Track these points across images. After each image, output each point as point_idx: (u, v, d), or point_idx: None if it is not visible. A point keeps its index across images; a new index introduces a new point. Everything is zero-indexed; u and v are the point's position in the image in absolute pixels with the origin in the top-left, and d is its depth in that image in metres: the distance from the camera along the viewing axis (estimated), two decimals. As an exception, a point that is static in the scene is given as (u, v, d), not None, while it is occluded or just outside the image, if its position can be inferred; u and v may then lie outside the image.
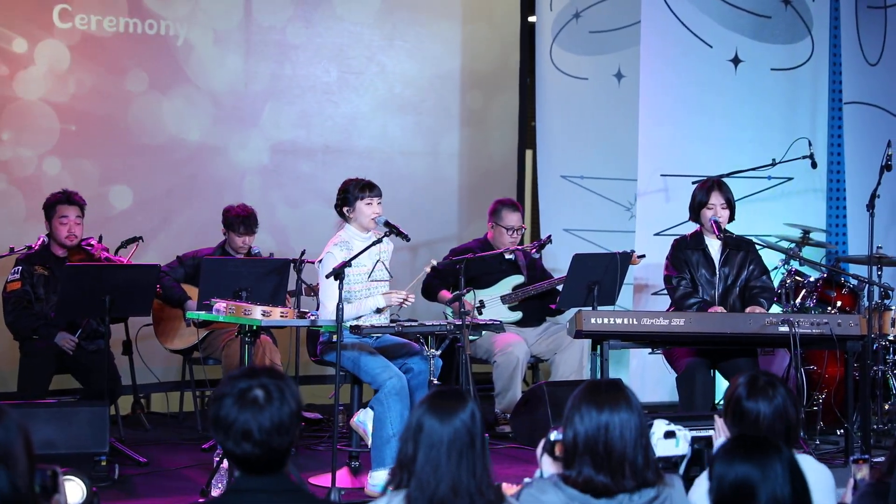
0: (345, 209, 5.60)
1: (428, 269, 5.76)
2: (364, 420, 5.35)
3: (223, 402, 2.59)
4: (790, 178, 7.73)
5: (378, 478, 5.19)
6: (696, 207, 6.22)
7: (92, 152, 7.34)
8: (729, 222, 6.21)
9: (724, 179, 6.54)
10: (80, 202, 6.24)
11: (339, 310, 5.00)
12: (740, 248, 6.25)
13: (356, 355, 5.39)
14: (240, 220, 6.58)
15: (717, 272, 6.20)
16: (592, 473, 2.89)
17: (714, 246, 6.24)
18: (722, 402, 6.77)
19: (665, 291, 6.45)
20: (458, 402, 2.79)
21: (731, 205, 6.20)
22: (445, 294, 6.78)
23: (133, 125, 7.47)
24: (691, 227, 6.41)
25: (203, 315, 5.41)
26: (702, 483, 3.35)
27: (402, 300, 5.46)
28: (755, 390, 3.28)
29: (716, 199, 6.15)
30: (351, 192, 5.57)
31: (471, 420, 2.77)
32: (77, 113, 7.28)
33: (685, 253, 6.23)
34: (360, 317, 5.40)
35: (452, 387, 2.95)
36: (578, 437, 2.91)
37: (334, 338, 5.28)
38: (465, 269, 5.73)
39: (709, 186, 6.21)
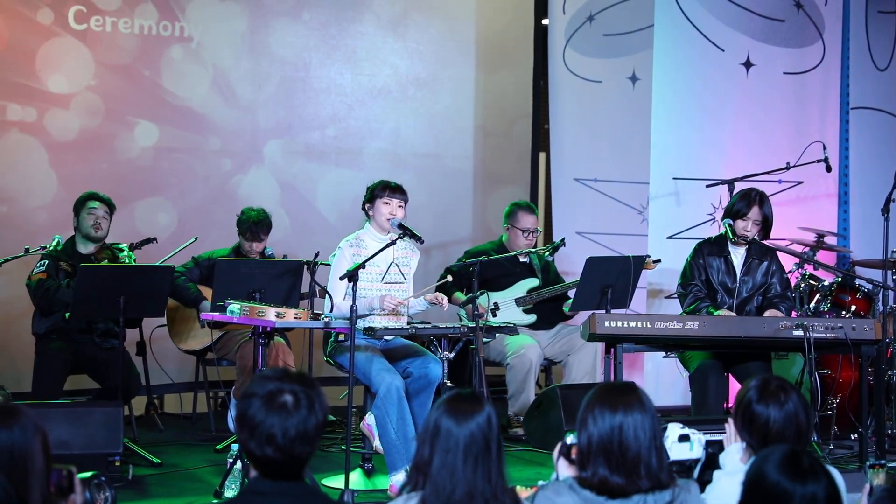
0: (366, 206, 5.66)
1: (449, 279, 5.90)
2: (372, 423, 5.38)
3: (251, 402, 2.60)
4: (800, 182, 7.71)
5: (395, 479, 5.20)
6: (734, 214, 6.14)
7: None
8: (761, 238, 6.15)
9: (735, 182, 6.51)
10: (109, 201, 6.32)
11: (353, 311, 5.01)
12: (763, 258, 6.21)
13: (358, 357, 5.39)
14: (247, 225, 6.61)
15: (738, 280, 6.17)
16: (607, 474, 2.88)
17: (738, 253, 6.20)
18: (733, 406, 6.78)
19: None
20: (476, 405, 2.78)
21: (767, 222, 6.13)
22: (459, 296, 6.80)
23: (140, 123, 7.51)
24: (702, 231, 6.38)
25: (217, 316, 5.42)
26: (719, 485, 3.34)
27: (393, 306, 5.47)
28: (766, 394, 3.26)
29: (754, 213, 6.08)
30: (374, 191, 5.63)
31: (487, 424, 2.76)
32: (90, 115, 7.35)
33: (706, 258, 6.18)
34: (365, 315, 5.42)
35: (470, 390, 2.93)
36: (593, 438, 2.91)
37: (341, 337, 5.33)
38: (479, 271, 5.74)
39: (751, 199, 6.10)
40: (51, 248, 6.16)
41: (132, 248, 6.52)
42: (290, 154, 7.90)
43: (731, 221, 6.11)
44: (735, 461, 3.45)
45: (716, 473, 3.48)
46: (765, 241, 6.38)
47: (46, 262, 6.15)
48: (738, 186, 6.36)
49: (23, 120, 7.19)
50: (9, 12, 7.14)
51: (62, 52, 7.26)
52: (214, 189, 7.68)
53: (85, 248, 6.30)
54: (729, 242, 6.18)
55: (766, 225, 6.14)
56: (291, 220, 7.84)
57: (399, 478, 5.18)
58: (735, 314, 6.03)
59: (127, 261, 6.30)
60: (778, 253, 6.42)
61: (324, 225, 7.89)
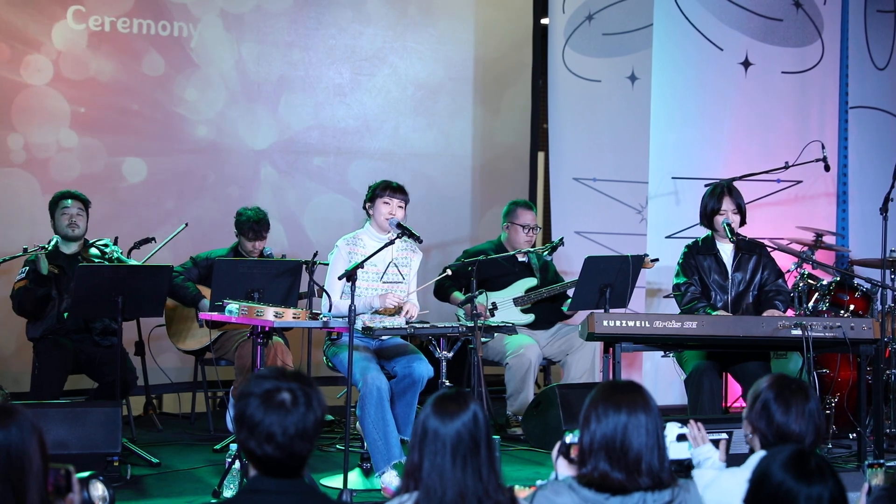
0: (367, 205, 5.67)
1: (448, 272, 5.92)
2: None
3: (249, 401, 2.60)
4: (799, 182, 7.71)
5: (386, 480, 5.20)
6: (709, 214, 6.20)
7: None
8: (740, 226, 6.21)
9: (735, 182, 6.52)
10: (82, 197, 6.30)
11: (351, 311, 5.01)
12: (753, 252, 6.24)
13: (345, 355, 5.37)
14: (249, 225, 6.60)
15: (730, 277, 6.18)
16: (608, 468, 2.90)
17: (726, 250, 6.22)
18: (732, 406, 6.78)
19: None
20: (461, 404, 2.77)
21: (741, 210, 6.19)
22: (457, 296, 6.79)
23: (144, 129, 7.50)
24: (701, 231, 6.39)
25: (215, 315, 5.42)
26: (720, 482, 3.34)
27: (395, 304, 5.47)
28: (786, 394, 3.24)
29: (727, 204, 6.15)
30: (375, 190, 5.65)
31: (473, 422, 2.75)
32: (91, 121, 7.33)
33: (696, 258, 6.21)
34: (361, 314, 5.42)
35: (456, 389, 2.92)
36: (595, 436, 2.91)
37: (333, 336, 5.37)
38: (478, 270, 5.73)
39: (719, 192, 6.19)
40: (50, 247, 6.15)
41: (129, 249, 6.50)
42: (289, 153, 7.89)
43: (728, 221, 6.12)
44: (715, 460, 3.49)
45: (703, 471, 3.49)
46: (762, 241, 6.39)
47: (28, 268, 6.13)
48: (738, 186, 6.36)
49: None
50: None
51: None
52: (211, 187, 7.67)
53: (67, 248, 6.28)
54: (717, 241, 6.20)
55: (741, 212, 6.19)
56: (289, 219, 7.83)
57: (387, 478, 5.18)
58: (730, 314, 6.04)
59: (118, 255, 6.23)
60: (777, 252, 6.42)
61: (322, 225, 7.89)
